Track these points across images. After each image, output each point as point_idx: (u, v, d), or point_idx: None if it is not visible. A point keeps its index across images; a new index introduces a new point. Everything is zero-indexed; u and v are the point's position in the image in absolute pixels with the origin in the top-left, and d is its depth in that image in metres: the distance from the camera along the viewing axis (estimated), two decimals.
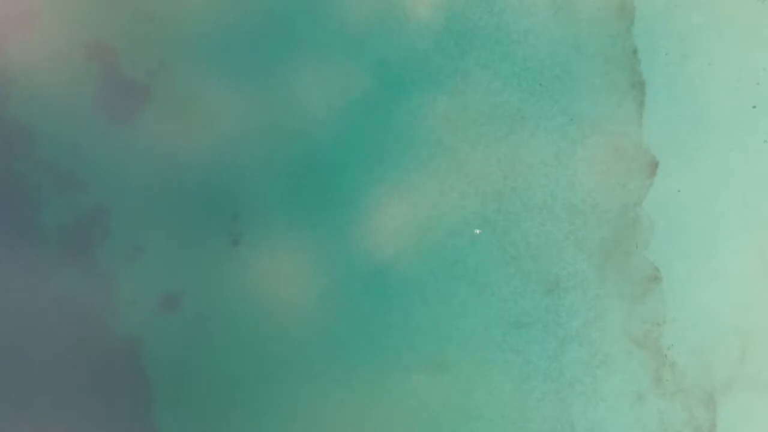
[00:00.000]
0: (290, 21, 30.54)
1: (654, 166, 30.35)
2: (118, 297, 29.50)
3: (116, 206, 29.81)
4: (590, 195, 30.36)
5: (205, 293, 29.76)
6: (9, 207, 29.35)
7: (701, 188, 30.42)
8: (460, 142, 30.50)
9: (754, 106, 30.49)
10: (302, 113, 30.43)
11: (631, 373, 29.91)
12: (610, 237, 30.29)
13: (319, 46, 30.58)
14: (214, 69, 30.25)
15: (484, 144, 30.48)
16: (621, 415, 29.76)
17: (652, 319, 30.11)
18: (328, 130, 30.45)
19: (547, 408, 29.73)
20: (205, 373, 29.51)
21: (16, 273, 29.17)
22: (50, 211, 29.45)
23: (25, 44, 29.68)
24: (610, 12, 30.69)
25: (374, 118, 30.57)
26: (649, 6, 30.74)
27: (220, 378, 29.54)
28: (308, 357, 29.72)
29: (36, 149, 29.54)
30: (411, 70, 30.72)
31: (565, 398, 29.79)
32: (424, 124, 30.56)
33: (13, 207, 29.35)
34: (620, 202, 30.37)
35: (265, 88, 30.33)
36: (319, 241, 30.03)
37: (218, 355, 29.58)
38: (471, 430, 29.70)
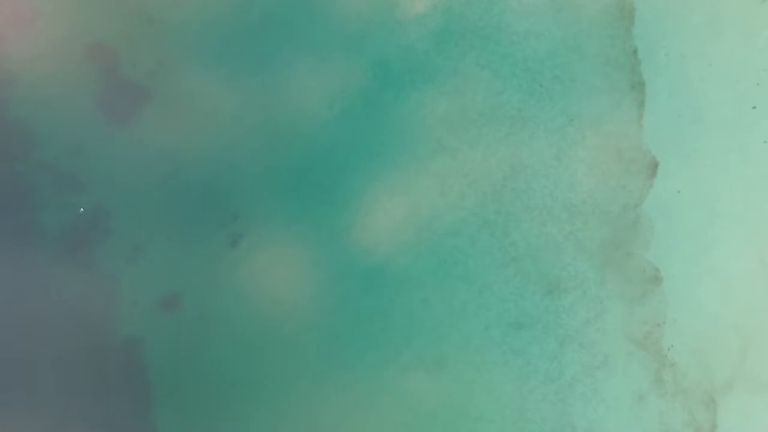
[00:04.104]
0: (290, 21, 30.54)
1: (654, 166, 30.35)
2: (118, 298, 29.53)
3: (116, 207, 29.83)
4: (590, 196, 30.36)
5: (205, 294, 29.78)
6: (9, 208, 29.37)
7: (701, 188, 30.41)
8: (460, 142, 30.50)
9: (754, 107, 30.48)
10: (302, 113, 30.44)
11: (632, 374, 29.91)
12: (610, 238, 30.29)
13: (318, 46, 30.58)
14: (214, 70, 30.27)
15: (484, 144, 30.48)
16: (621, 416, 29.76)
17: (652, 319, 30.11)
18: (327, 130, 30.46)
19: (547, 409, 29.74)
20: (205, 374, 29.52)
21: (17, 274, 29.19)
22: (50, 212, 29.47)
23: (25, 44, 29.69)
24: (610, 13, 30.68)
25: (374, 118, 30.57)
26: (649, 6, 30.73)
27: (221, 378, 29.56)
28: (308, 357, 29.74)
29: (36, 150, 29.55)
30: (411, 70, 30.73)
31: (565, 399, 29.79)
32: (424, 124, 30.56)
33: (14, 208, 29.36)
34: (620, 203, 30.37)
35: (265, 88, 30.34)
36: (318, 242, 30.05)
37: (218, 355, 29.60)
38: (471, 431, 29.71)
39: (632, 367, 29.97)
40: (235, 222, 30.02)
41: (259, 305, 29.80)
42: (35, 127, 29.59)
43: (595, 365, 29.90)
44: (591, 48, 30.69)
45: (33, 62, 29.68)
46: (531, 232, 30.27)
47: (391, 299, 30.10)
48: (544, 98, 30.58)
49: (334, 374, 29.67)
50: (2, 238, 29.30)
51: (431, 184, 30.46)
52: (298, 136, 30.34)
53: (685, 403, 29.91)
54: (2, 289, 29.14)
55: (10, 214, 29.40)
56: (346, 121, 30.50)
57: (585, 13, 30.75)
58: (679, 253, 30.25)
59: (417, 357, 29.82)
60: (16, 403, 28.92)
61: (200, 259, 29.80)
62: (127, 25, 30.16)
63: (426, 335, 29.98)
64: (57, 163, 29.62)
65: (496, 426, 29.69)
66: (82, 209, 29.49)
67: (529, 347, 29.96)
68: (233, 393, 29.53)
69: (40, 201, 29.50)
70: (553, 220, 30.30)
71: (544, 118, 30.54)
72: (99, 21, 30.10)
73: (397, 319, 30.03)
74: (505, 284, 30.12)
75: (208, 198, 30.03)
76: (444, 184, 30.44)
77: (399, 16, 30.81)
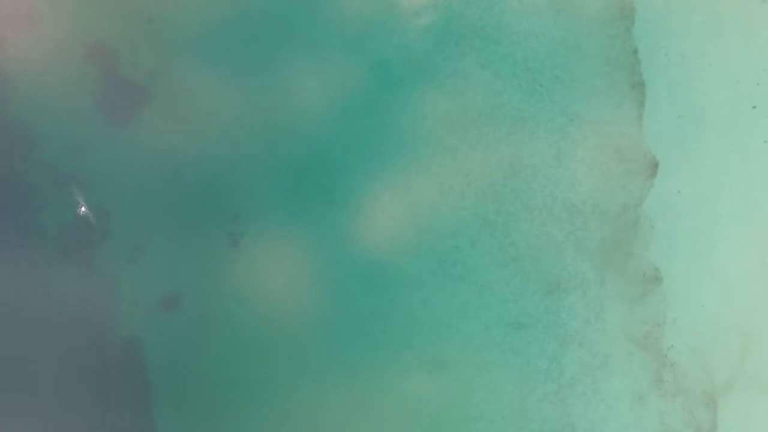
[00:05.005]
0: (290, 21, 30.53)
1: (654, 166, 30.36)
2: (118, 298, 29.53)
3: (116, 207, 29.83)
4: (590, 196, 30.37)
5: (205, 293, 29.78)
6: (10, 208, 29.36)
7: (701, 188, 30.42)
8: (460, 142, 30.50)
9: (754, 107, 30.49)
10: (302, 113, 30.43)
11: (632, 374, 29.93)
12: (610, 238, 30.30)
13: (319, 46, 30.58)
14: (214, 70, 30.26)
15: (484, 144, 30.48)
16: (621, 416, 29.77)
17: (652, 319, 30.12)
18: (328, 130, 30.45)
19: (548, 409, 29.76)
20: (205, 373, 29.53)
21: (17, 274, 29.19)
22: (51, 212, 29.47)
23: (25, 44, 29.68)
24: (611, 13, 30.68)
25: (374, 118, 30.57)
26: (649, 6, 30.73)
27: (221, 378, 29.57)
28: (308, 357, 29.75)
29: (36, 150, 29.56)
30: (411, 70, 30.72)
31: (566, 399, 29.81)
32: (424, 124, 30.56)
33: (14, 208, 29.36)
34: (620, 203, 30.38)
35: (265, 88, 30.33)
36: (318, 242, 30.04)
37: (218, 355, 29.60)
38: (471, 431, 29.71)
39: (632, 367, 29.98)
40: (235, 222, 30.01)
41: (259, 305, 29.80)
42: (35, 127, 29.58)
43: (595, 365, 29.91)
44: (591, 48, 30.68)
45: (33, 62, 29.67)
46: (531, 232, 30.27)
47: (391, 299, 30.09)
48: (544, 98, 30.58)
49: (334, 374, 29.67)
50: (2, 238, 29.29)
51: (431, 184, 30.45)
52: (298, 136, 30.33)
53: (685, 403, 29.92)
54: (2, 289, 29.13)
55: (10, 214, 29.39)
56: (346, 121, 30.49)
57: (585, 13, 30.75)
58: (679, 253, 30.26)
59: (417, 357, 29.82)
60: (16, 403, 28.91)
61: (200, 259, 29.80)
62: (127, 25, 30.15)
63: (426, 335, 29.98)
64: (57, 163, 29.61)
65: (496, 426, 29.70)
66: (83, 209, 29.51)
67: (529, 347, 29.96)
68: (233, 393, 29.53)
69: (40, 201, 29.49)
70: (553, 220, 30.31)
71: (544, 118, 30.54)
72: (99, 21, 30.09)
73: (397, 319, 30.03)
74: (505, 284, 30.12)
75: (208, 198, 30.03)
76: (444, 184, 30.44)
77: (399, 16, 30.79)
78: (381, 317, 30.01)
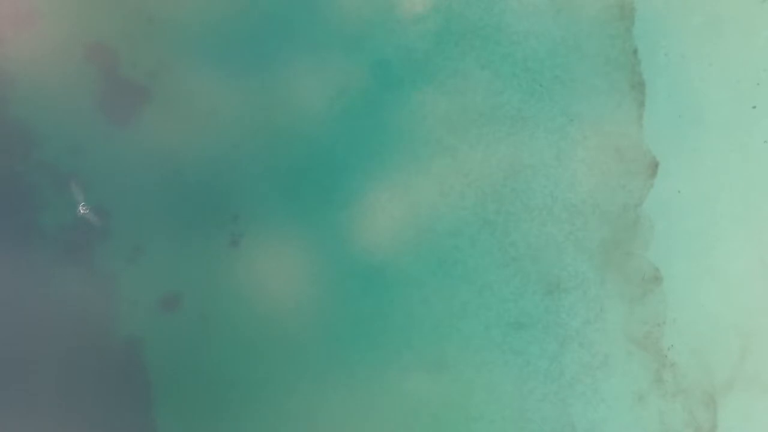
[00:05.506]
0: (290, 21, 30.54)
1: (654, 166, 30.36)
2: (118, 298, 29.53)
3: (116, 207, 29.83)
4: (590, 196, 30.37)
5: (205, 293, 29.78)
6: (10, 208, 29.37)
7: (701, 188, 30.43)
8: (460, 142, 30.51)
9: (754, 107, 30.49)
10: (302, 114, 30.45)
11: (632, 374, 29.93)
12: (610, 238, 30.30)
13: (319, 47, 30.59)
14: (214, 70, 30.27)
15: (484, 144, 30.48)
16: (621, 416, 29.77)
17: (652, 319, 30.12)
18: (328, 130, 30.46)
19: (548, 408, 29.75)
20: (205, 373, 29.54)
21: (18, 274, 29.19)
22: (51, 212, 29.47)
23: (25, 44, 29.69)
24: (611, 13, 30.70)
25: (374, 118, 30.58)
26: (649, 6, 30.74)
27: (221, 378, 29.57)
28: (308, 357, 29.75)
29: (36, 150, 29.56)
30: (411, 70, 30.73)
31: (566, 399, 29.80)
32: (424, 125, 30.57)
33: (14, 208, 29.36)
34: (620, 203, 30.38)
35: (265, 89, 30.34)
36: (319, 242, 30.05)
37: (218, 355, 29.61)
38: (471, 431, 29.71)
39: (632, 367, 29.97)
40: (235, 222, 30.01)
41: (259, 305, 29.81)
42: (35, 127, 29.59)
43: (595, 365, 29.91)
44: (591, 48, 30.69)
45: (33, 62, 29.68)
46: (531, 232, 30.27)
47: (391, 299, 30.09)
48: (544, 98, 30.59)
49: (334, 374, 29.67)
50: (2, 238, 29.30)
51: (431, 184, 30.45)
52: (298, 136, 30.34)
53: (685, 403, 29.92)
54: (2, 289, 29.13)
55: (10, 214, 29.40)
56: (346, 121, 30.50)
57: (585, 13, 30.76)
58: (679, 253, 30.26)
59: (417, 357, 29.82)
60: (16, 403, 28.91)
61: (200, 259, 29.80)
62: (127, 25, 30.16)
63: (426, 335, 29.98)
64: (57, 163, 29.61)
65: (496, 426, 29.69)
66: (83, 208, 29.51)
67: (529, 347, 29.96)
68: (233, 393, 29.53)
69: (40, 201, 29.49)
70: (553, 220, 30.31)
71: (544, 118, 30.54)
72: (99, 21, 30.10)
73: (397, 319, 30.04)
74: (505, 284, 30.12)
75: (208, 198, 30.03)
76: (444, 184, 30.45)
77: (399, 16, 30.81)
78: (381, 317, 30.00)
